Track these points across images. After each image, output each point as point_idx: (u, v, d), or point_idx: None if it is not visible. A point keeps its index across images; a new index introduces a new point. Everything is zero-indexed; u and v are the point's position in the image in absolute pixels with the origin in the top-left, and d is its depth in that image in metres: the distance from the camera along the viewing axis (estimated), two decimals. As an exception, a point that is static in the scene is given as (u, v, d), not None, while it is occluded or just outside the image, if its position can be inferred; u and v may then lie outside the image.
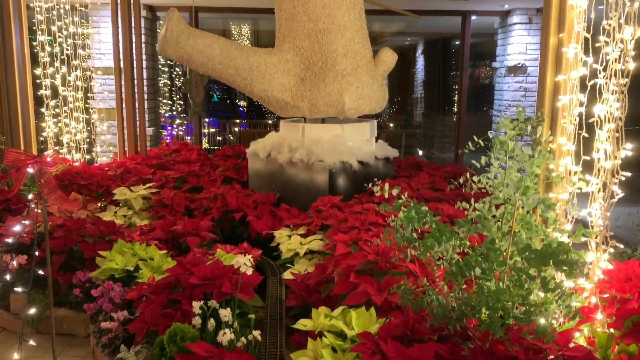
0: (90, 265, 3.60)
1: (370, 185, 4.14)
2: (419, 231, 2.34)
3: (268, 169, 4.55)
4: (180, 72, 10.71)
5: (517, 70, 7.70)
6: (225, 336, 2.33)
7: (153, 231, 3.96)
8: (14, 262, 3.60)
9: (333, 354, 2.12)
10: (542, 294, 2.00)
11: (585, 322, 2.28)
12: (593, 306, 2.35)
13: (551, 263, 1.82)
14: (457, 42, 15.96)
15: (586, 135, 2.37)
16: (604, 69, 2.21)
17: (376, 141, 4.79)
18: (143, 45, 6.53)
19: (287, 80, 4.38)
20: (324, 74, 4.32)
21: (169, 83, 10.48)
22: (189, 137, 10.97)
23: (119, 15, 5.67)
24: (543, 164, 2.50)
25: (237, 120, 13.20)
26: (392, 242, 2.33)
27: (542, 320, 1.91)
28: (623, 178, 2.30)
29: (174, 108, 10.73)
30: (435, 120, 13.49)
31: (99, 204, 4.78)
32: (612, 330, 2.22)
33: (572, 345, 1.96)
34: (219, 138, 12.57)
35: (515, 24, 7.61)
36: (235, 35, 12.87)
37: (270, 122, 12.95)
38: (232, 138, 12.71)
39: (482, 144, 2.54)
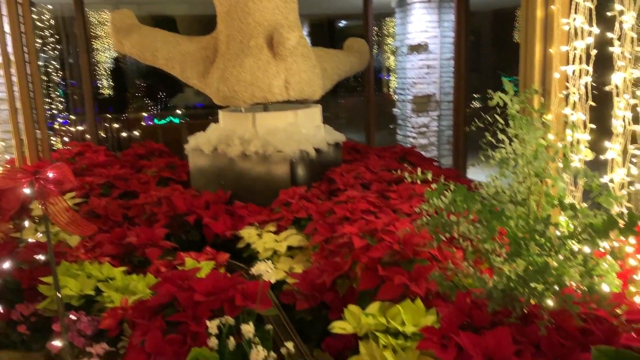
0: (29, 296, 3.06)
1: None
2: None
3: (215, 165, 4.20)
4: (58, 67, 9.57)
5: (419, 48, 7.94)
6: (260, 355, 2.07)
7: (100, 246, 3.45)
8: None
9: (393, 354, 1.97)
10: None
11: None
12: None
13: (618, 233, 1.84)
14: (340, 24, 16.23)
15: (593, 104, 2.44)
16: (619, 38, 2.28)
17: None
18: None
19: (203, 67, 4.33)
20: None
21: (46, 79, 9.33)
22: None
23: (1, 3, 4.85)
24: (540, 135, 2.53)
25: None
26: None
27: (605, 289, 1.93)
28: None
29: (52, 106, 9.60)
30: (329, 103, 13.61)
31: (11, 223, 4.08)
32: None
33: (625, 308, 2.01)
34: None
35: (415, 2, 7.81)
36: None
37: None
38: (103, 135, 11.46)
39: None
